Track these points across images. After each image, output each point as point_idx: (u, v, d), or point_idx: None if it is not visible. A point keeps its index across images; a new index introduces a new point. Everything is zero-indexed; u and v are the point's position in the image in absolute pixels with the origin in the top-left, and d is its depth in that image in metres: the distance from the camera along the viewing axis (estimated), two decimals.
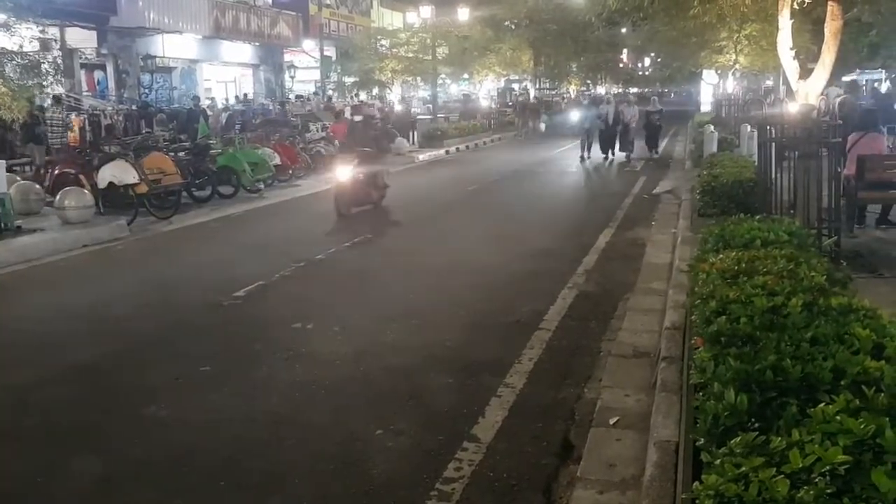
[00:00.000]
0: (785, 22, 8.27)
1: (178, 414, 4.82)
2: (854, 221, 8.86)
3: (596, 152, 21.59)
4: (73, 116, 17.53)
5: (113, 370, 5.67)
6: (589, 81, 60.80)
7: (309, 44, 34.21)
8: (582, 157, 21.24)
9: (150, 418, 4.77)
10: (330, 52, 34.82)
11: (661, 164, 20.05)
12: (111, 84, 24.39)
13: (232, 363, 5.71)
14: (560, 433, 4.44)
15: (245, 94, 29.71)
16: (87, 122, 17.51)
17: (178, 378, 5.43)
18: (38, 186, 12.04)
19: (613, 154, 21.52)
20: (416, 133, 26.00)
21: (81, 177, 11.93)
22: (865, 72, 34.88)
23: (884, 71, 31.32)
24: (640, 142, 21.90)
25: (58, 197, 10.89)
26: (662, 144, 24.74)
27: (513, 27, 41.13)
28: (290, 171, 16.56)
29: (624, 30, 48.13)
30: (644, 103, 26.01)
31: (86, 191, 11.27)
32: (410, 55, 32.42)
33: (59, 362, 5.82)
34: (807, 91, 8.28)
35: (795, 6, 8.21)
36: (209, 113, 21.66)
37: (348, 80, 34.67)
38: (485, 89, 44.12)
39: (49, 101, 17.40)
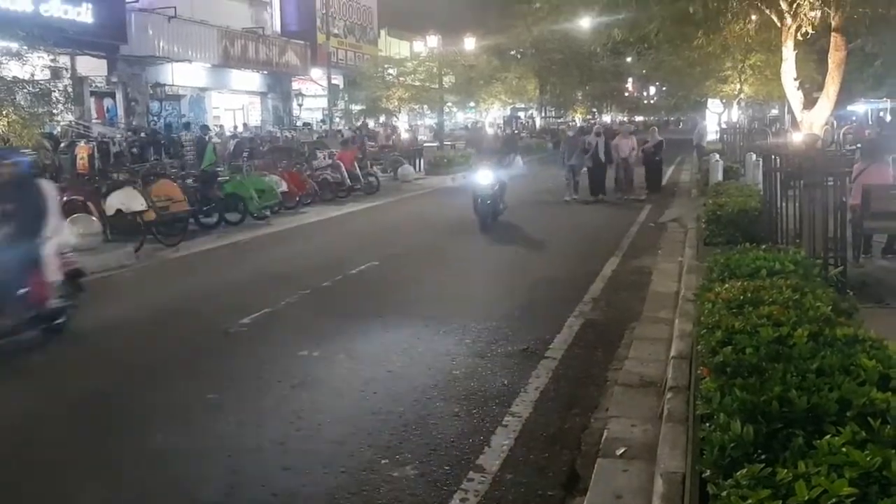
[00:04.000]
0: (789, 53, 8.35)
1: (184, 442, 4.82)
2: (860, 251, 8.85)
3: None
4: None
5: (118, 398, 5.67)
6: (594, 110, 61.20)
7: (317, 72, 34.59)
8: (567, 200, 17.95)
9: (154, 446, 4.77)
10: (338, 80, 35.17)
11: (666, 192, 20.02)
12: (120, 111, 24.65)
13: (238, 391, 5.71)
14: (566, 463, 4.43)
15: (245, 124, 29.91)
16: (95, 149, 17.69)
17: (184, 406, 5.43)
18: None
19: (604, 195, 18.10)
20: (422, 160, 26.15)
21: (90, 204, 12.02)
22: (871, 101, 35.00)
23: (888, 100, 31.43)
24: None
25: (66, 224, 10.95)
26: (667, 174, 24.57)
27: (518, 56, 41.57)
28: (297, 199, 16.66)
29: (629, 59, 48.53)
30: (641, 134, 22.18)
31: (94, 218, 11.35)
32: (417, 83, 32.72)
33: (63, 389, 5.83)
34: (811, 121, 8.34)
35: (799, 37, 8.29)
36: (217, 141, 21.85)
37: (355, 107, 34.96)
38: (491, 117, 44.43)
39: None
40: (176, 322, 7.77)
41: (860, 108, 36.17)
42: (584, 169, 18.22)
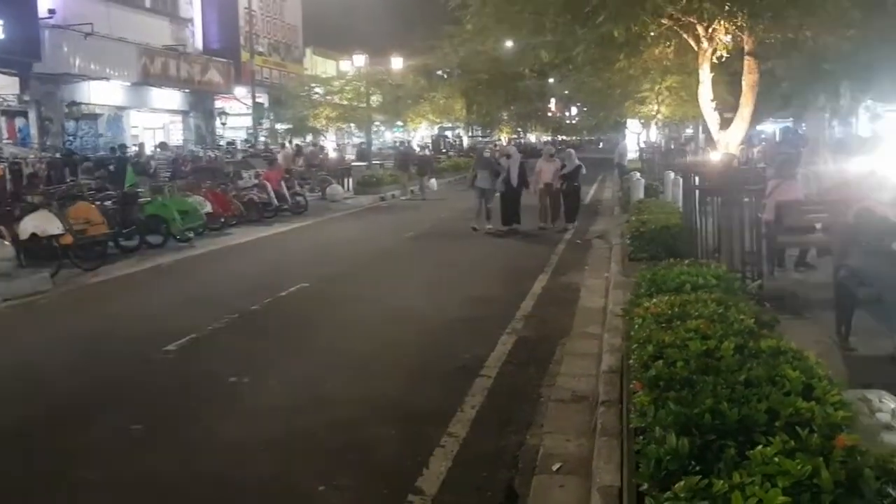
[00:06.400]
0: (705, 76, 8.70)
1: (110, 476, 4.62)
2: (774, 265, 9.22)
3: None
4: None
5: (38, 432, 5.40)
6: (520, 129, 62.27)
7: (241, 90, 34.11)
8: (474, 228, 15.92)
9: (79, 482, 4.56)
10: (262, 98, 34.75)
11: (590, 210, 20.47)
12: (33, 131, 23.69)
13: (165, 421, 5.52)
14: (504, 482, 4.45)
15: (164, 143, 29.11)
16: (7, 170, 16.92)
17: (109, 438, 5.22)
18: None
19: (518, 223, 16.17)
20: (351, 180, 26.02)
21: (2, 228, 11.46)
22: (778, 121, 36.73)
23: (792, 119, 32.99)
24: None
25: None
26: (590, 192, 25.04)
27: (445, 76, 41.99)
28: (223, 220, 16.32)
29: (551, 80, 49.59)
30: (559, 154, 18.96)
31: (6, 242, 10.82)
32: (345, 103, 32.64)
33: None
34: (727, 141, 8.70)
35: (714, 60, 8.66)
36: (136, 161, 21.25)
37: (281, 126, 34.58)
38: (419, 136, 44.72)
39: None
40: (96, 350, 7.47)
41: (768, 127, 37.93)
42: (498, 194, 16.31)
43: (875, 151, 11.73)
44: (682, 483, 2.34)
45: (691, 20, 8.17)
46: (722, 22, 7.84)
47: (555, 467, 4.51)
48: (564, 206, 16.72)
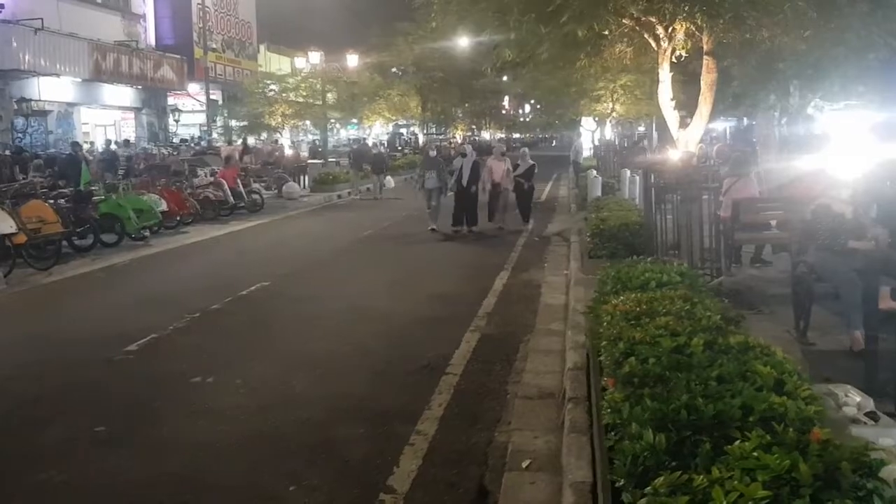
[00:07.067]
0: (665, 75, 8.82)
1: (73, 480, 4.52)
2: (731, 261, 9.40)
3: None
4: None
5: None
6: (474, 126, 62.40)
7: (194, 87, 33.58)
8: (433, 228, 15.74)
9: (42, 486, 4.45)
10: (216, 95, 34.22)
11: (547, 207, 20.62)
12: None
13: (129, 422, 5.42)
14: (475, 479, 4.46)
15: (126, 140, 28.56)
16: None
17: (70, 441, 5.09)
18: None
19: (471, 225, 15.52)
20: (307, 177, 25.78)
21: None
22: (728, 119, 37.52)
23: (736, 119, 33.68)
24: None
25: None
26: (545, 193, 25.16)
27: (400, 74, 41.86)
28: (178, 218, 16.05)
29: (505, 78, 49.74)
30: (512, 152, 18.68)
31: None
32: (300, 100, 32.31)
33: None
34: (687, 139, 8.84)
35: (673, 60, 8.78)
36: (90, 158, 20.76)
37: (236, 124, 34.09)
38: (374, 133, 44.52)
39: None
40: (55, 351, 7.28)
41: (719, 125, 38.74)
42: (451, 194, 15.88)
43: (820, 149, 12.05)
44: (661, 478, 2.38)
45: (651, 20, 8.28)
46: (682, 22, 7.96)
47: (524, 464, 4.54)
48: (519, 207, 16.52)
